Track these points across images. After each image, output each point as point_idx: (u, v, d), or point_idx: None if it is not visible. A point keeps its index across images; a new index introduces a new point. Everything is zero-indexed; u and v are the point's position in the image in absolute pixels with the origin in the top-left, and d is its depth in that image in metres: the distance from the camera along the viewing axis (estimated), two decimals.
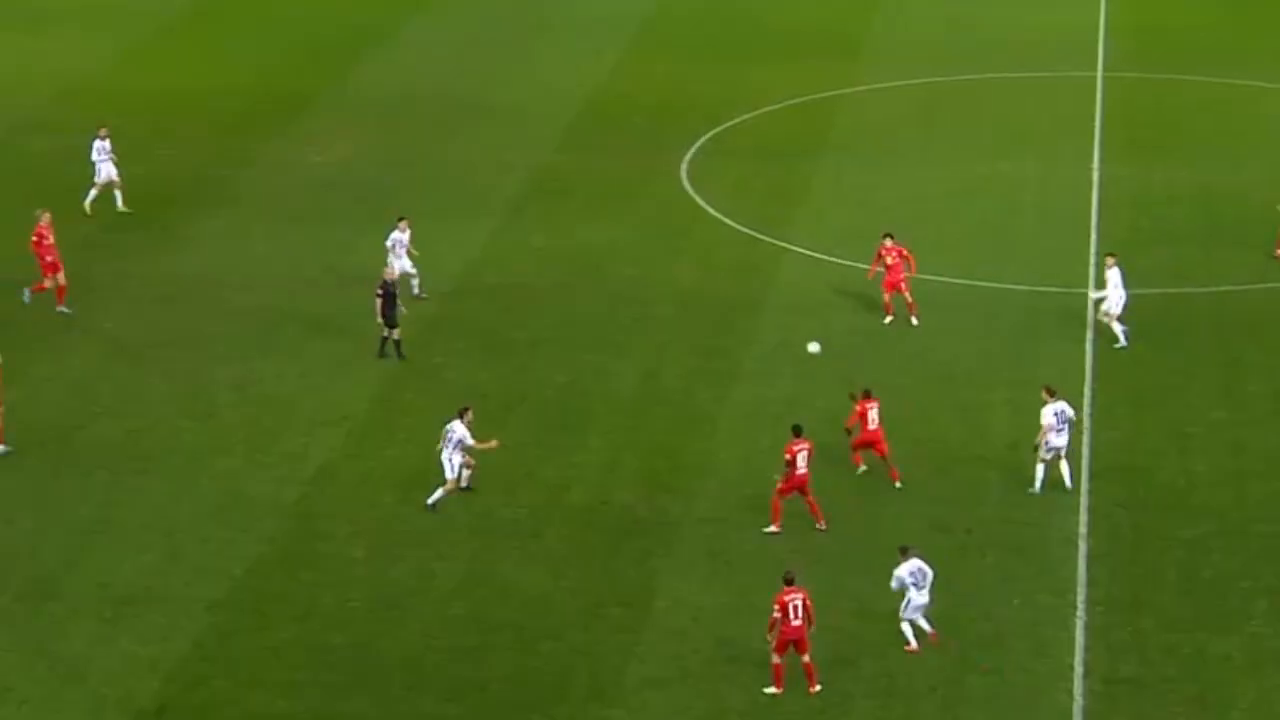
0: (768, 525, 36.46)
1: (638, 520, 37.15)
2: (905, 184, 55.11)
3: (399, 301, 43.65)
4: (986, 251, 49.15)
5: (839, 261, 49.15)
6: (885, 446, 38.27)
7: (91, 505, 37.89)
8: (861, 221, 50.53)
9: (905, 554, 33.19)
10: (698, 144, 58.08)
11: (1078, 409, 39.47)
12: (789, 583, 31.92)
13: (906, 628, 33.08)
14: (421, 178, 55.60)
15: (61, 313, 45.51)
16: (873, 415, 38.21)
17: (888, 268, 45.50)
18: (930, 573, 33.03)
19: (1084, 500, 37.88)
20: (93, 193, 51.95)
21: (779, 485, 36.48)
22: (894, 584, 33.15)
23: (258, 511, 37.61)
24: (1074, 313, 46.14)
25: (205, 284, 46.36)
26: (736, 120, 60.22)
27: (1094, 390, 42.09)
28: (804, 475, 36.35)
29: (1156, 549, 36.19)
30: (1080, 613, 34.17)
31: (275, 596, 34.86)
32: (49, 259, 45.68)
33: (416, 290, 46.75)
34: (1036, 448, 37.86)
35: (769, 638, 31.87)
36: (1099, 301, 44.81)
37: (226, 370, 43.43)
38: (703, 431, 40.27)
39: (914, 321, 45.29)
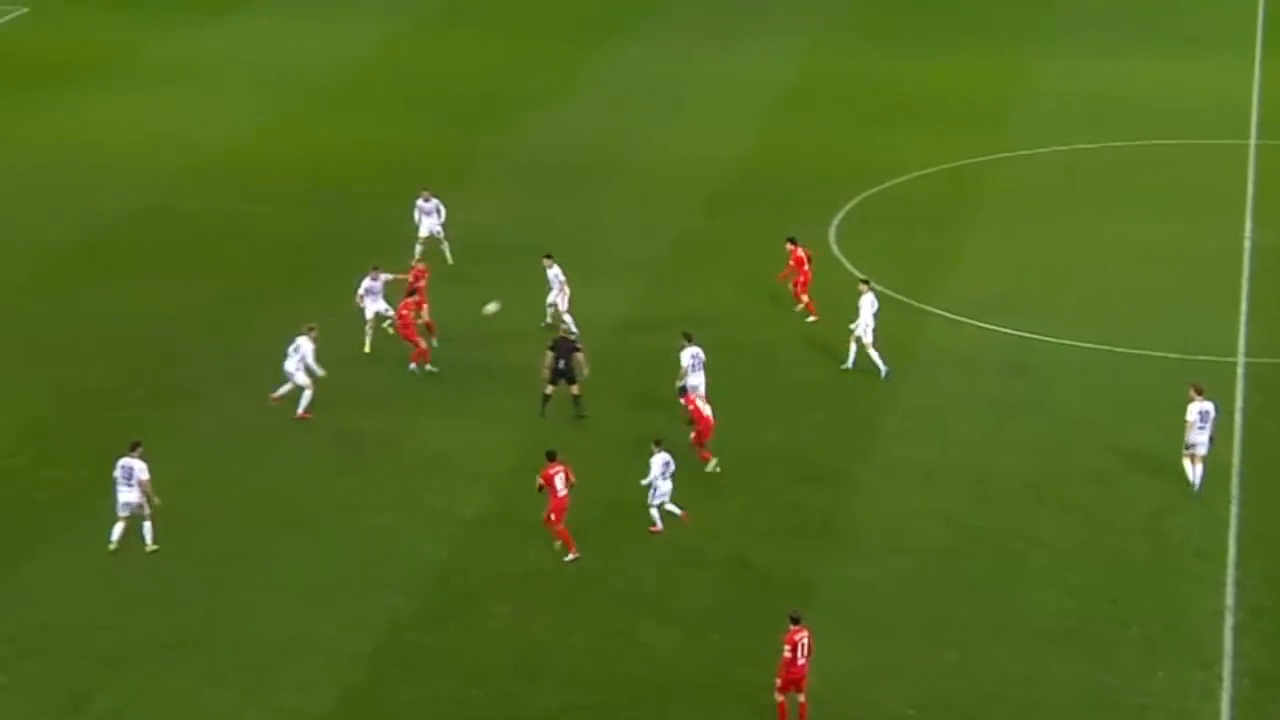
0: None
1: (773, 581, 37.18)
2: (1052, 249, 54.82)
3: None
4: (1134, 318, 48.76)
5: (984, 326, 49.04)
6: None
7: (241, 557, 38.44)
8: (1007, 287, 50.29)
9: (658, 446, 37.85)
10: (845, 208, 58.16)
11: (1225, 480, 39.08)
12: (795, 621, 32.12)
13: (654, 512, 37.55)
14: (567, 239, 56.01)
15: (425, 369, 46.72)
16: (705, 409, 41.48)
17: (794, 269, 48.06)
18: (673, 464, 37.63)
19: (1230, 573, 37.44)
20: (417, 249, 52.96)
21: (545, 514, 37.70)
22: (648, 476, 37.27)
23: (404, 565, 38.02)
24: (1222, 382, 45.63)
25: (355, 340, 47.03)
26: (884, 185, 60.25)
27: (1241, 461, 41.59)
28: (564, 498, 37.33)
29: None
30: (1227, 686, 33.77)
31: (420, 650, 35.19)
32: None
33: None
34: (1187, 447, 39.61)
35: (778, 679, 31.99)
36: (853, 329, 45.78)
37: (374, 424, 44.04)
38: (842, 493, 40.22)
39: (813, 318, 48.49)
